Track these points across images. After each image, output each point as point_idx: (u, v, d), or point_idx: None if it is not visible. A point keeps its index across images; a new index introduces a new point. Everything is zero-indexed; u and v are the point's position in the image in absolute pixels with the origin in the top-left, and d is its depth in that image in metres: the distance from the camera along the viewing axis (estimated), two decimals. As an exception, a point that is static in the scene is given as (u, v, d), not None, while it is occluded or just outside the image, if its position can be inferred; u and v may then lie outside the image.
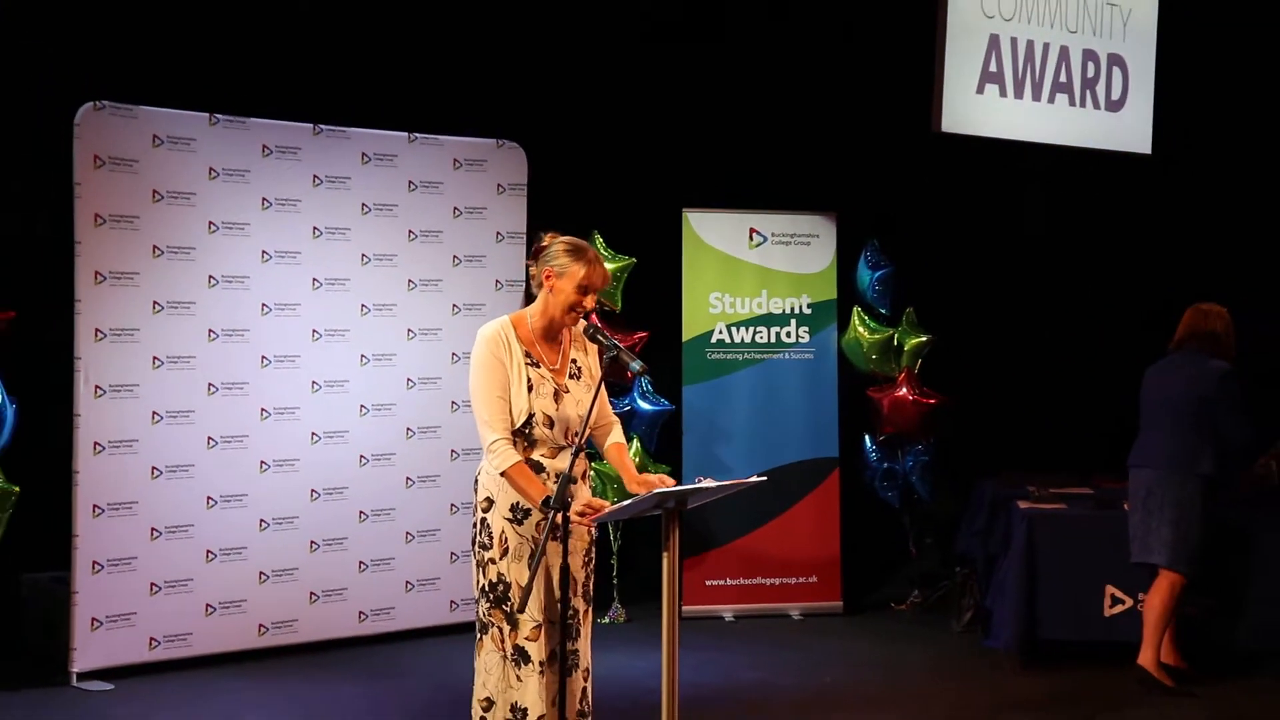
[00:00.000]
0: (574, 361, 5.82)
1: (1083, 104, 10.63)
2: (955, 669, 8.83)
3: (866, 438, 10.47)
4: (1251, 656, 8.66)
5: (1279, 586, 8.60)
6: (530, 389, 5.63)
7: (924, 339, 10.31)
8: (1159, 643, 8.11)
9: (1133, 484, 8.27)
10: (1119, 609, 8.69)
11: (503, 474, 5.53)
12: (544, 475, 5.58)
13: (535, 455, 5.63)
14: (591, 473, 6.40)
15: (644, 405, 9.79)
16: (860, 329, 10.30)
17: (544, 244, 5.75)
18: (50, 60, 8.70)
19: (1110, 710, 7.87)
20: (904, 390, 10.26)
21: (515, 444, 5.57)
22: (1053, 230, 11.39)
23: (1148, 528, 8.12)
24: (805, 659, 9.08)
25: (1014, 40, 10.14)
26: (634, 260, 9.56)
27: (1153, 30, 10.91)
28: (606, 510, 5.52)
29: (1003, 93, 10.11)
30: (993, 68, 10.02)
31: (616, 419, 6.07)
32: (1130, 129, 10.89)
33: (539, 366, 5.69)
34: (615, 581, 9.90)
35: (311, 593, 9.02)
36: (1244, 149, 11.31)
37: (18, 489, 8.05)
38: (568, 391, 5.72)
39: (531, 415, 5.61)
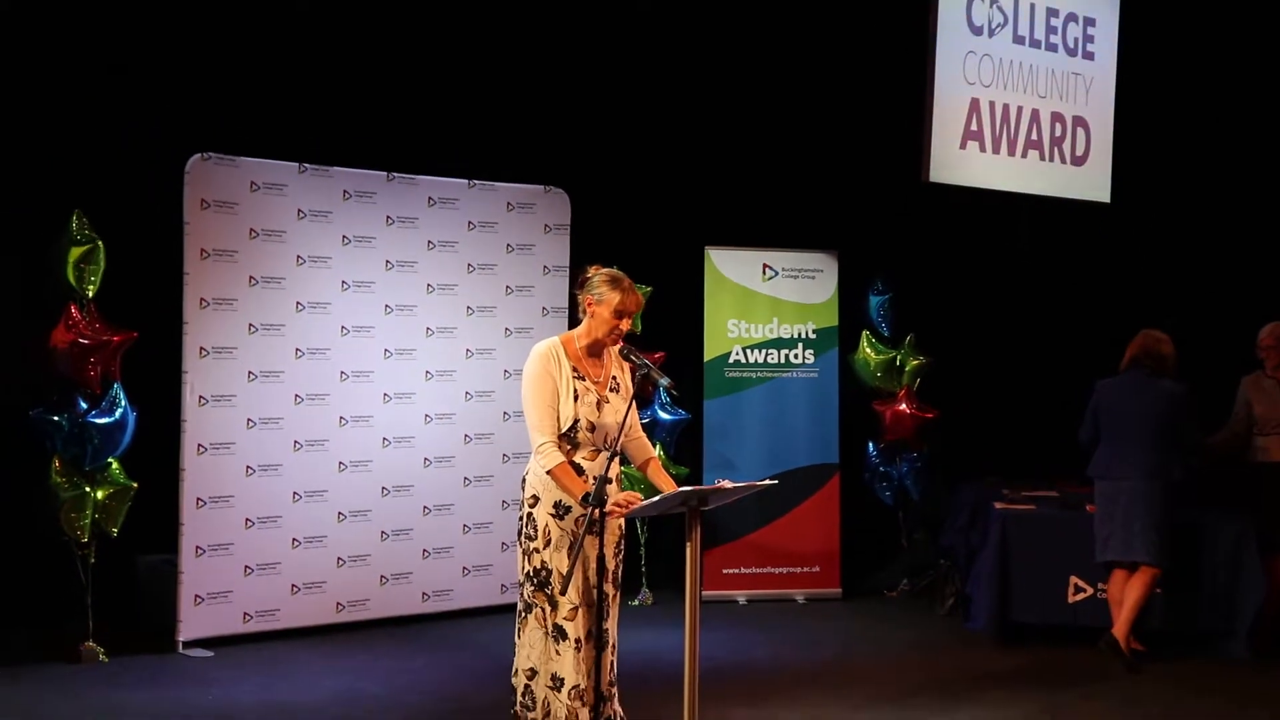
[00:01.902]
0: (614, 377, 5.85)
1: (1051, 159, 10.77)
2: (938, 647, 8.79)
3: (870, 444, 10.46)
4: (1195, 638, 8.62)
5: (1220, 576, 8.59)
6: (576, 399, 5.67)
7: (923, 361, 10.36)
8: (1131, 623, 8.11)
9: (1108, 492, 8.28)
10: (1081, 596, 8.69)
11: (549, 472, 5.56)
12: (584, 476, 5.58)
13: (576, 458, 5.66)
14: (621, 475, 6.35)
15: (664, 415, 9.81)
16: (868, 350, 10.37)
17: (588, 275, 5.82)
18: (164, 118, 8.70)
19: (1072, 683, 7.84)
20: (903, 405, 10.33)
21: (560, 447, 5.59)
22: (1029, 267, 11.34)
23: (1130, 531, 8.14)
24: (808, 638, 9.08)
25: (992, 104, 10.27)
26: (651, 289, 9.50)
27: (1111, 97, 10.96)
28: (638, 505, 5.51)
29: (982, 149, 10.22)
30: (974, 127, 10.16)
31: (644, 433, 6.07)
32: (1092, 181, 10.97)
33: (584, 380, 5.73)
34: (644, 569, 9.87)
35: (382, 576, 9.04)
36: (1189, 199, 11.32)
37: (135, 484, 8.18)
38: (608, 402, 5.76)
39: (576, 421, 5.64)
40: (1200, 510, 8.78)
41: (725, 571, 10.02)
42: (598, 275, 5.77)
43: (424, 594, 9.17)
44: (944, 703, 7.45)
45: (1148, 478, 8.14)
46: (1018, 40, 10.39)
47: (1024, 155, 10.49)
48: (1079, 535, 8.61)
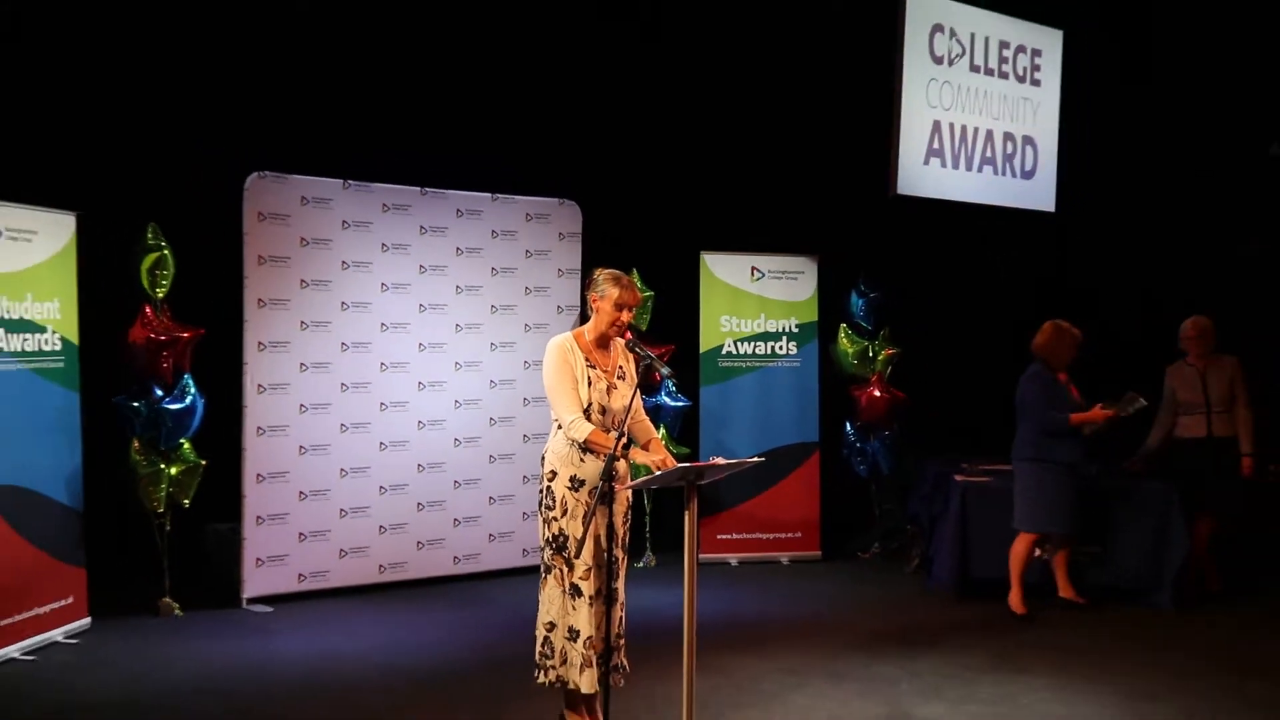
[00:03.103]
0: (620, 367, 5.84)
1: (1004, 174, 10.74)
2: (906, 601, 8.81)
3: (846, 424, 10.40)
4: (1125, 594, 8.64)
5: (1143, 538, 8.62)
6: (589, 385, 5.68)
7: (893, 351, 10.31)
8: (1019, 583, 8.31)
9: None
10: (1041, 556, 8.58)
11: (585, 439, 5.56)
12: (593, 455, 5.61)
13: None
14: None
15: (668, 401, 9.78)
16: (845, 341, 10.28)
17: (594, 277, 5.83)
18: (225, 141, 8.70)
19: (1020, 633, 7.90)
20: (876, 389, 10.27)
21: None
22: (986, 269, 11.33)
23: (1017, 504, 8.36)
24: (791, 594, 9.09)
25: (951, 125, 10.21)
26: (653, 294, 9.58)
27: (1055, 118, 10.95)
28: (642, 480, 5.54)
29: (943, 165, 10.21)
30: (935, 145, 10.11)
31: (646, 417, 6.07)
32: (1040, 193, 10.93)
33: (595, 369, 5.74)
34: (648, 535, 9.86)
35: (418, 541, 9.07)
36: (1123, 209, 11.34)
37: (204, 462, 8.27)
38: (615, 388, 5.77)
39: (589, 405, 5.64)
40: (1133, 480, 8.82)
41: (719, 537, 10.01)
42: (601, 274, 5.79)
43: (455, 557, 9.19)
44: (910, 649, 7.48)
45: (1015, 459, 8.29)
46: (974, 69, 10.40)
47: (980, 170, 10.46)
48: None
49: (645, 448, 5.81)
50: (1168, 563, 8.55)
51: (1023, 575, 8.30)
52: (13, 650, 7.12)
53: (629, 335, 5.88)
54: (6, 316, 7.17)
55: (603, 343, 5.81)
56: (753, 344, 10.14)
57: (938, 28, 10.02)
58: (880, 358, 10.28)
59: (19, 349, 7.27)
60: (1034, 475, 8.20)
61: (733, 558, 10.05)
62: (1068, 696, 6.65)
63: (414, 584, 8.98)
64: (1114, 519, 8.68)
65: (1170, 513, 8.57)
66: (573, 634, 5.63)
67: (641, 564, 9.68)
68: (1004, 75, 10.67)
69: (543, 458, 5.81)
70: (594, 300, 5.79)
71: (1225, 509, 8.76)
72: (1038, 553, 8.46)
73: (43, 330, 7.44)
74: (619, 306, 5.73)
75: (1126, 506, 8.69)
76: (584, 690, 5.64)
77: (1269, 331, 10.45)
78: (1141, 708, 6.46)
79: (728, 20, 10.37)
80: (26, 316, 7.32)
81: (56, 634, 7.48)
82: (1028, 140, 10.87)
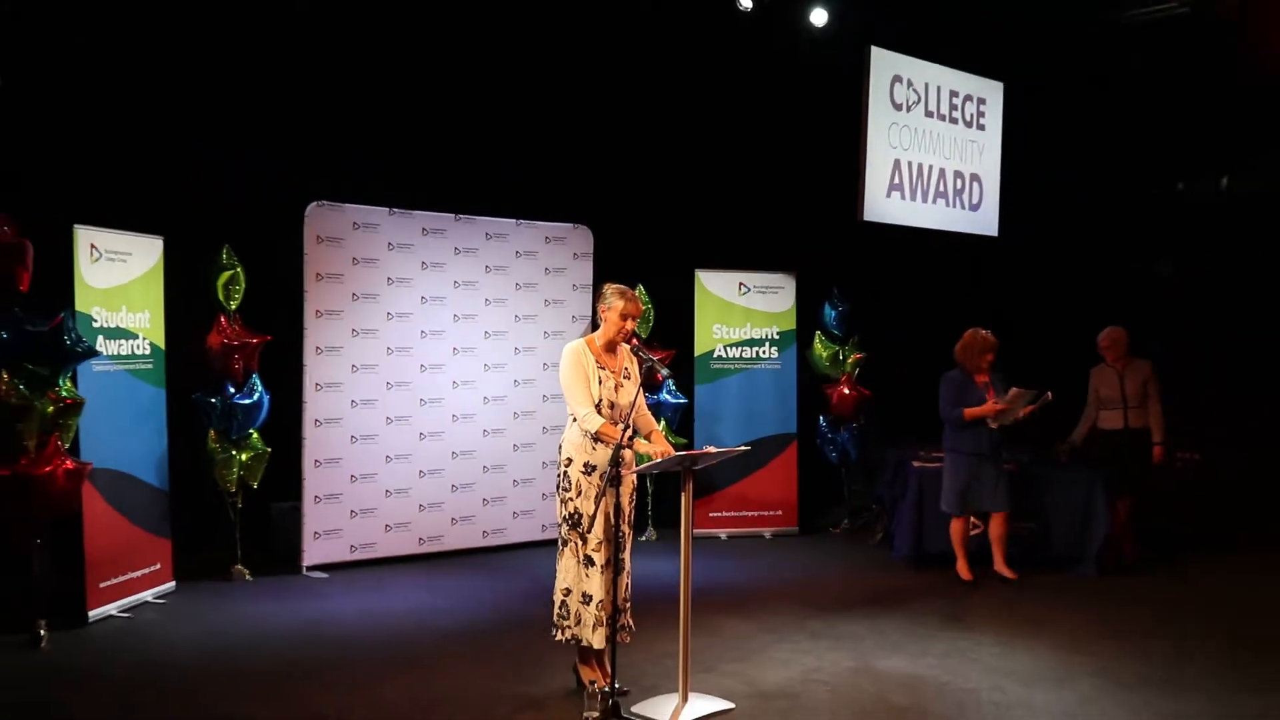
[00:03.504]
0: (626, 369, 5.84)
1: (954, 206, 10.69)
2: (871, 570, 8.82)
3: (821, 418, 10.36)
4: (1055, 564, 8.66)
5: (1071, 515, 8.65)
6: (599, 384, 5.70)
7: (860, 355, 10.24)
8: (962, 555, 8.36)
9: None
10: (975, 531, 8.61)
11: (595, 431, 5.58)
12: (603, 444, 5.63)
13: None
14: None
15: (668, 399, 9.72)
16: (819, 346, 10.23)
17: (602, 291, 5.85)
18: (288, 175, 8.68)
19: (967, 595, 7.94)
20: (845, 388, 10.21)
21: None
22: (940, 286, 11.36)
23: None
24: (773, 564, 9.11)
25: (910, 163, 10.19)
26: (651, 306, 9.57)
27: (998, 158, 10.97)
28: (645, 465, 5.56)
29: (903, 197, 10.15)
30: (896, 181, 10.07)
31: (649, 411, 6.03)
32: (984, 221, 10.95)
33: (604, 370, 5.75)
34: (650, 513, 9.84)
35: (452, 518, 9.07)
36: (1056, 234, 11.35)
37: (269, 449, 8.28)
38: (622, 387, 5.77)
39: (599, 401, 5.67)
40: (1062, 466, 8.85)
41: (711, 515, 10.00)
42: (610, 289, 5.80)
43: (484, 532, 9.21)
44: (874, 609, 7.53)
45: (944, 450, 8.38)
46: (928, 115, 10.37)
47: (934, 202, 10.43)
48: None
49: (648, 438, 5.80)
50: (1092, 537, 8.57)
51: (964, 547, 8.36)
52: (111, 608, 7.20)
53: (634, 341, 5.86)
54: (106, 326, 7.23)
55: (611, 348, 5.82)
56: (740, 349, 10.14)
57: (897, 79, 10.00)
58: (849, 361, 10.24)
59: (116, 353, 7.33)
60: (949, 463, 8.27)
61: (723, 532, 10.05)
62: (1009, 650, 6.69)
63: (449, 554, 8.99)
64: (1046, 500, 8.70)
65: (1094, 494, 8.59)
66: (586, 598, 5.66)
67: (644, 538, 9.67)
68: (954, 120, 10.65)
69: (560, 446, 5.81)
70: (603, 311, 5.80)
71: (1140, 490, 8.81)
72: (975, 530, 8.49)
73: (135, 337, 7.49)
74: (624, 317, 5.76)
75: (1057, 489, 8.71)
76: (595, 646, 5.67)
77: (1180, 338, 10.53)
78: (1071, 658, 6.52)
79: (718, 71, 10.33)
80: (122, 326, 7.38)
81: (147, 595, 7.55)
82: (975, 177, 10.85)
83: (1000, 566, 8.34)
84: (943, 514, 8.45)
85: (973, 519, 8.49)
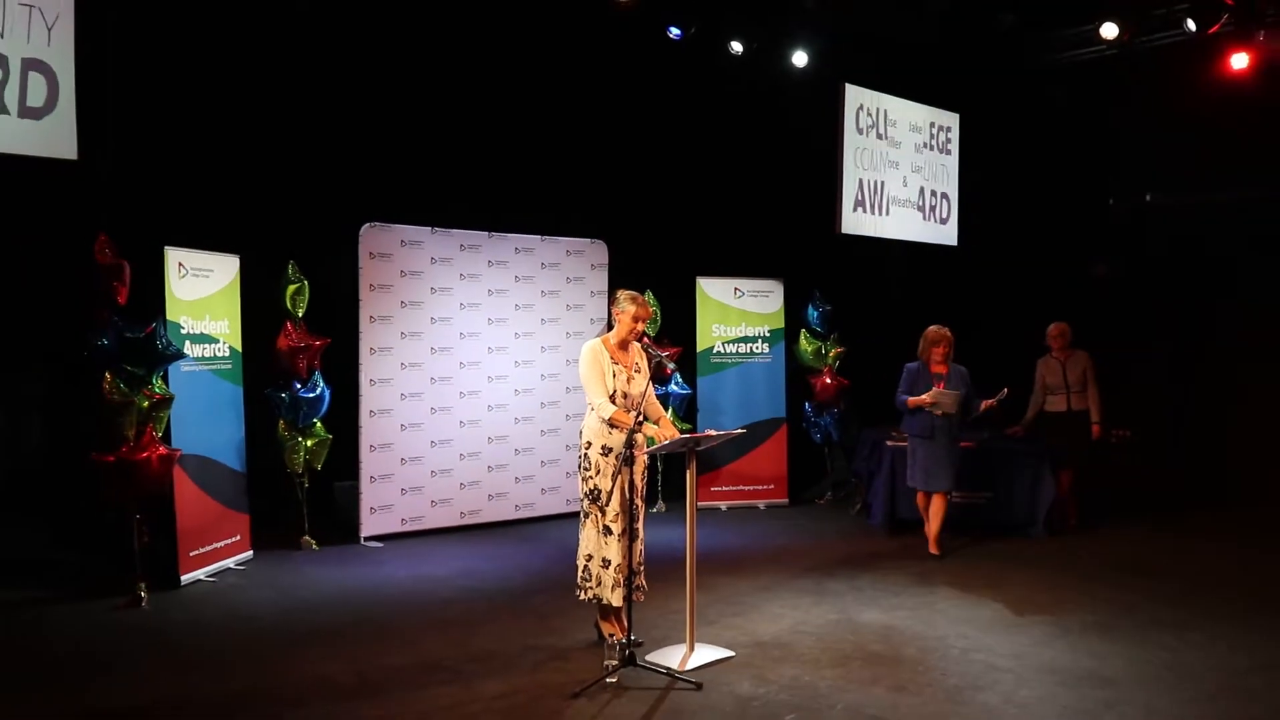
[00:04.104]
0: (636, 364, 5.81)
1: (923, 219, 10.59)
2: (850, 536, 8.81)
3: (806, 404, 10.29)
4: (1009, 528, 8.66)
5: (1022, 486, 8.63)
6: (614, 377, 5.68)
7: (841, 349, 10.19)
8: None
9: None
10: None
11: (610, 418, 5.56)
12: (617, 429, 5.61)
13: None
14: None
15: (676, 390, 9.70)
16: (805, 342, 10.17)
17: (616, 296, 5.84)
18: (345, 200, 8.68)
19: (934, 557, 7.89)
20: (828, 378, 10.14)
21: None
22: (911, 289, 11.32)
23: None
24: (766, 531, 9.08)
25: (878, 183, 10.07)
26: (658, 307, 9.51)
27: (955, 178, 10.94)
28: (654, 447, 5.55)
29: (874, 212, 10.05)
30: (869, 199, 9.98)
31: (657, 400, 6.02)
32: (947, 233, 10.90)
33: (618, 365, 5.73)
34: (660, 488, 9.84)
35: (489, 494, 9.06)
36: (1006, 242, 11.29)
37: (331, 436, 8.28)
38: (633, 379, 5.75)
39: (614, 392, 5.65)
40: (1014, 443, 8.83)
41: (712, 489, 9.97)
42: (622, 294, 5.79)
43: (516, 506, 9.18)
44: (853, 570, 7.53)
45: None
46: (897, 142, 10.21)
47: (902, 216, 10.26)
48: (942, 464, 8.50)
49: (656, 424, 5.79)
50: (1040, 504, 8.59)
51: (934, 520, 8.02)
52: (199, 574, 7.24)
53: (644, 340, 5.84)
54: (193, 332, 7.27)
55: (624, 345, 5.79)
56: (736, 345, 10.10)
57: (869, 110, 9.94)
58: (831, 354, 10.18)
59: (200, 356, 7.36)
60: (909, 445, 8.05)
61: (722, 504, 10.02)
62: (970, 602, 6.71)
63: (486, 526, 8.99)
64: (1000, 473, 8.68)
65: (1041, 467, 8.60)
66: (605, 563, 5.66)
67: (655, 510, 9.63)
68: (926, 147, 10.56)
69: (580, 432, 5.80)
70: (616, 314, 5.79)
71: (1080, 464, 8.79)
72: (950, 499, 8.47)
73: (216, 341, 7.53)
74: (635, 319, 5.74)
75: (1010, 463, 8.70)
76: (614, 604, 5.67)
77: (1113, 331, 10.52)
78: (1023, 608, 6.53)
79: (714, 106, 10.35)
80: (206, 332, 7.42)
81: (229, 562, 7.58)
82: (944, 195, 10.79)
83: (931, 545, 7.99)
84: (910, 488, 8.28)
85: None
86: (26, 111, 6.10)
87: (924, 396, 7.77)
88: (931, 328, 8.02)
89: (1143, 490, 10.06)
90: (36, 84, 6.13)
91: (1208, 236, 10.60)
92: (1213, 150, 10.21)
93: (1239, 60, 9.15)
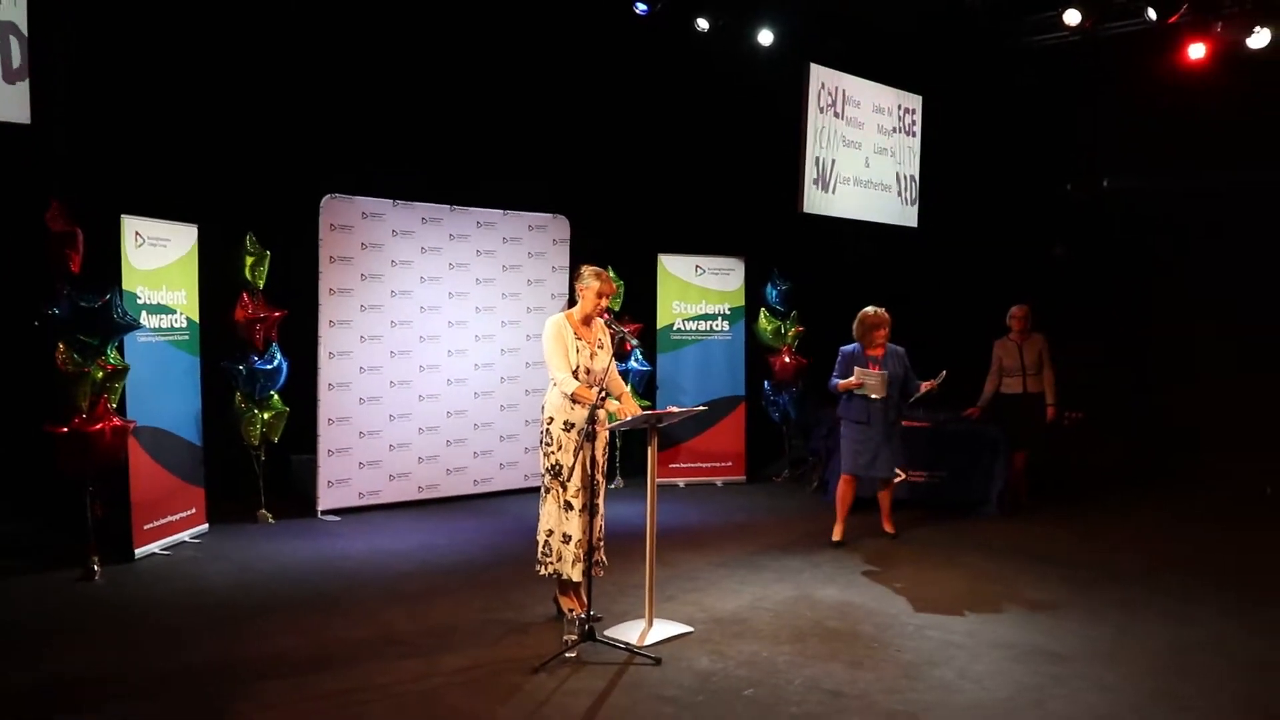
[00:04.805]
0: (599, 339, 5.81)
1: (883, 199, 10.62)
2: (808, 513, 8.85)
3: (765, 382, 10.38)
4: (965, 507, 8.76)
5: (977, 465, 8.73)
6: (577, 352, 5.68)
7: (800, 328, 10.26)
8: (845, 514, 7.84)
9: None
10: (897, 479, 8.58)
11: (573, 393, 5.55)
12: (580, 404, 5.60)
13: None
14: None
15: (636, 366, 9.71)
16: (765, 321, 10.23)
17: (580, 271, 5.83)
18: (306, 171, 8.59)
19: (889, 535, 7.95)
20: (786, 357, 10.23)
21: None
22: (865, 268, 11.39)
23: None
24: (724, 508, 9.13)
25: (827, 161, 10.10)
26: (623, 283, 9.44)
27: (918, 160, 10.98)
28: (616, 423, 5.58)
29: (835, 192, 10.11)
30: (830, 178, 10.02)
31: (619, 376, 6.02)
32: (910, 214, 10.97)
33: (581, 340, 5.72)
34: (618, 465, 9.87)
35: (447, 469, 9.04)
36: (966, 224, 11.37)
37: (288, 409, 8.22)
38: (596, 355, 5.75)
39: (576, 367, 5.65)
40: (970, 424, 8.92)
41: (671, 466, 9.98)
42: (586, 269, 5.77)
43: (474, 480, 9.17)
44: (810, 547, 7.61)
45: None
46: (860, 124, 10.26)
47: (863, 197, 10.35)
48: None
49: (618, 400, 5.77)
50: (994, 483, 8.71)
51: (845, 508, 7.81)
52: (154, 547, 7.19)
53: (606, 316, 5.83)
54: (149, 302, 7.18)
55: (587, 321, 5.78)
56: (696, 323, 10.12)
57: (833, 91, 9.96)
58: (790, 333, 10.26)
59: (157, 326, 7.28)
60: (842, 430, 7.79)
61: (681, 481, 10.05)
62: (925, 579, 6.80)
63: (444, 500, 8.96)
64: (956, 453, 8.78)
65: (996, 447, 8.70)
66: (566, 538, 5.67)
67: (613, 486, 9.63)
68: (890, 128, 10.60)
69: (543, 407, 5.77)
70: (580, 289, 5.77)
71: (1034, 445, 8.92)
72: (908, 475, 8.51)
73: (174, 312, 7.45)
74: (600, 294, 5.72)
75: (965, 443, 8.79)
76: (574, 579, 5.70)
77: (1068, 313, 10.67)
78: (976, 585, 6.64)
79: (679, 83, 10.32)
80: (163, 303, 7.34)
81: (184, 535, 7.52)
82: (908, 177, 10.86)
83: (885, 522, 8.00)
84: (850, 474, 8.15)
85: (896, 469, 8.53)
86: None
87: (850, 379, 7.55)
88: (869, 310, 7.72)
89: (1094, 471, 10.21)
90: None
91: (1163, 221, 10.77)
92: (1169, 137, 10.37)
93: (1196, 50, 9.31)
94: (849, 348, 7.74)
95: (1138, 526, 8.46)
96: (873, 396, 7.52)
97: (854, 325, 7.75)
